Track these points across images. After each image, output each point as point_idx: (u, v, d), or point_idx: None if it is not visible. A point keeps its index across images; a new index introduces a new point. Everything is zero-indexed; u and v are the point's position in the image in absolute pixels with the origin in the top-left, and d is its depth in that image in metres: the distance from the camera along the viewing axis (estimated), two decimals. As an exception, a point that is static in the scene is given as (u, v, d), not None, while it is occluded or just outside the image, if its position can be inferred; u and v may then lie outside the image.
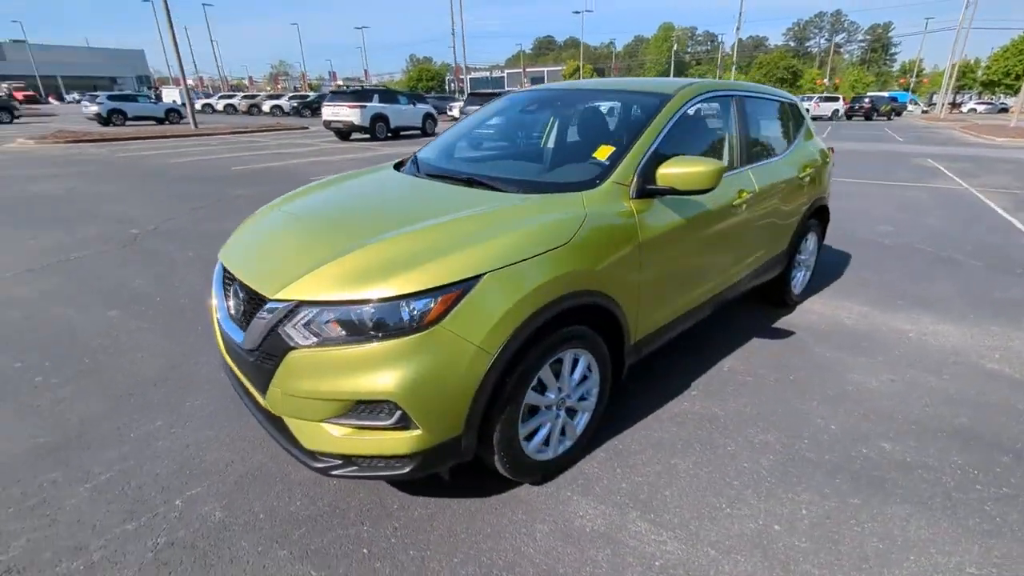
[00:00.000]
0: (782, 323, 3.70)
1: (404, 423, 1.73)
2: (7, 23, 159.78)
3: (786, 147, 3.57)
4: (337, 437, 1.76)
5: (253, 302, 1.88)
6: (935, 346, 3.36)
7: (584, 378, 2.24)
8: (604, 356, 2.26)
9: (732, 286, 3.08)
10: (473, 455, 1.91)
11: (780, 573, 1.78)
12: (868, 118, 36.01)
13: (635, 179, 2.30)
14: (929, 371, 3.06)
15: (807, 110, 4.26)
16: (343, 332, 1.69)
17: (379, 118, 17.32)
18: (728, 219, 2.80)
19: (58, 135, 17.44)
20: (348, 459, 1.79)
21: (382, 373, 1.67)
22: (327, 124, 17.26)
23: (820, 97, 38.87)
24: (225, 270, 2.15)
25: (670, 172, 2.26)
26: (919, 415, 2.64)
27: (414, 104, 19.22)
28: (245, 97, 40.95)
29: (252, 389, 1.95)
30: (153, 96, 34.52)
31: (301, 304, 1.71)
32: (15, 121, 27.05)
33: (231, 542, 1.89)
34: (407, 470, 1.78)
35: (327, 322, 1.69)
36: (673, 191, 2.29)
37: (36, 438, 2.42)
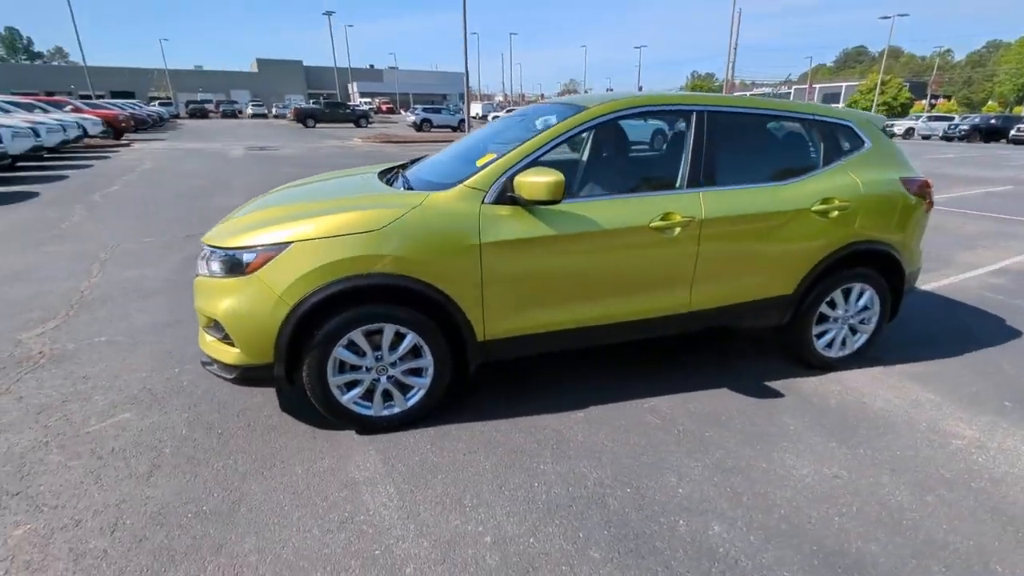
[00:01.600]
0: (782, 383, 3.03)
1: (229, 341, 2.35)
2: (386, 55, 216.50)
3: (799, 173, 2.91)
4: (209, 343, 2.48)
5: None
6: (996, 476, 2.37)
7: (417, 356, 2.49)
8: (439, 342, 2.47)
9: (677, 317, 2.77)
10: (289, 383, 2.41)
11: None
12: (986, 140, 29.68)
13: (495, 186, 2.42)
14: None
15: (890, 132, 3.22)
16: (216, 268, 2.38)
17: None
18: (640, 241, 2.57)
19: (378, 136, 23.01)
20: (212, 361, 2.49)
21: (219, 300, 2.32)
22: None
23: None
24: None
25: (521, 181, 2.33)
26: None
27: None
28: (525, 109, 45.77)
29: None
30: (452, 108, 41.61)
31: (209, 247, 2.47)
32: (368, 126, 36.20)
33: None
34: (231, 377, 2.39)
35: (212, 260, 2.41)
36: (529, 200, 2.34)
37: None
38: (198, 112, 47.97)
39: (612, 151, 3.25)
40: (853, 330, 3.19)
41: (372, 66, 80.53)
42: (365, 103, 57.48)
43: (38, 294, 4.26)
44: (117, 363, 3.18)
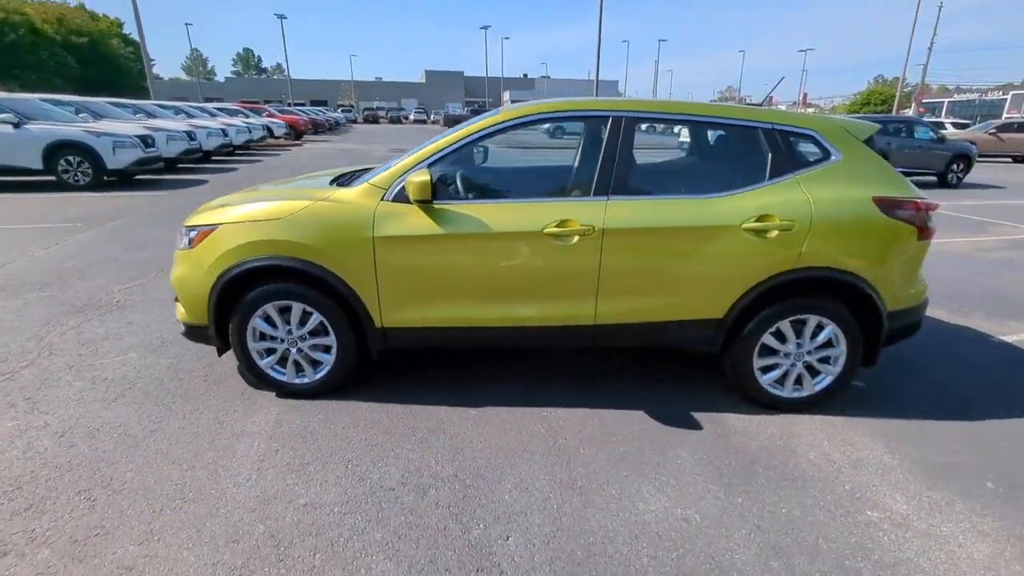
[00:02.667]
0: (711, 416, 2.71)
1: (179, 301, 2.83)
2: (538, 64, 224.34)
3: (738, 186, 2.58)
4: (178, 307, 3.01)
5: None
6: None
7: (324, 335, 2.75)
8: (341, 324, 2.70)
9: (581, 329, 2.66)
10: (224, 344, 2.82)
11: (245, 511, 2.06)
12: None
13: (395, 185, 2.58)
14: None
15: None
16: (180, 242, 2.88)
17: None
18: (535, 246, 2.53)
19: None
20: (182, 323, 3.01)
21: (176, 268, 2.82)
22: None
23: None
24: None
25: (406, 181, 2.48)
26: None
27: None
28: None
29: None
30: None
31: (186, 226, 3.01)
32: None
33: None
34: (182, 332, 2.88)
35: (180, 236, 2.93)
36: (412, 199, 2.48)
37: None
38: (371, 118, 54.25)
39: (509, 154, 3.18)
40: (813, 370, 2.74)
41: (526, 75, 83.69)
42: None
43: (152, 259, 5.36)
44: (157, 315, 3.94)
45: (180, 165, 12.87)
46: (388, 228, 2.55)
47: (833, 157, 2.61)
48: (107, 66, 54.17)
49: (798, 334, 2.67)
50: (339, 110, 51.14)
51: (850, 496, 2.20)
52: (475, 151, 2.96)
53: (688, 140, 3.19)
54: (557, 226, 2.52)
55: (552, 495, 2.18)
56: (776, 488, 2.24)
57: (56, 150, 9.13)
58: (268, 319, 2.74)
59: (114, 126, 10.30)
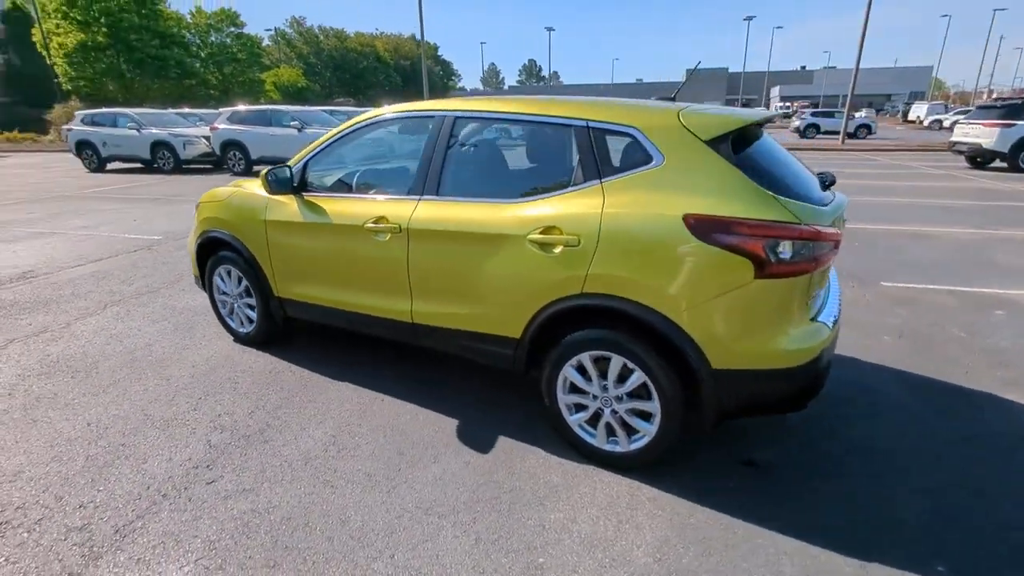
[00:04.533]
0: (510, 444, 2.38)
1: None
2: (820, 53, 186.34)
3: (546, 191, 2.18)
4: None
5: None
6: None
7: (249, 296, 3.39)
8: (258, 291, 3.27)
9: (402, 325, 2.68)
10: (206, 289, 3.71)
11: (115, 406, 2.81)
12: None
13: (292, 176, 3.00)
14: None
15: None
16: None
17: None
18: (359, 240, 2.65)
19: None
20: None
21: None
22: (951, 146, 13.20)
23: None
24: None
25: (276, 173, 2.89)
26: None
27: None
28: (960, 112, 30.38)
29: None
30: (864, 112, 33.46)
31: None
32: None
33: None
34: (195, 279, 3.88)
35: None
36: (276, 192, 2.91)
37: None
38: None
39: (368, 151, 3.20)
40: (628, 426, 2.18)
41: (804, 67, 72.51)
42: (782, 106, 52.86)
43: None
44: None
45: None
46: (273, 213, 3.01)
47: (654, 161, 2.00)
48: (420, 81, 67.79)
49: (603, 374, 2.17)
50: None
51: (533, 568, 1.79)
52: (370, 148, 3.18)
53: (519, 141, 2.83)
54: (374, 222, 2.59)
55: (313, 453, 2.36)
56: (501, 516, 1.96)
57: (155, 146, 14.35)
58: (222, 277, 3.49)
59: (190, 131, 14.79)
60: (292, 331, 3.66)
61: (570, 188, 2.16)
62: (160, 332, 3.78)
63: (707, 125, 1.99)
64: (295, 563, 1.82)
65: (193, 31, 43.39)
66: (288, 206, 2.96)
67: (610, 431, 2.24)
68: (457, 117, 2.51)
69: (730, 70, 69.82)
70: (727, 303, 1.88)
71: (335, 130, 2.92)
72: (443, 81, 67.60)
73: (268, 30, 67.64)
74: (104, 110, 15.75)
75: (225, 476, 2.27)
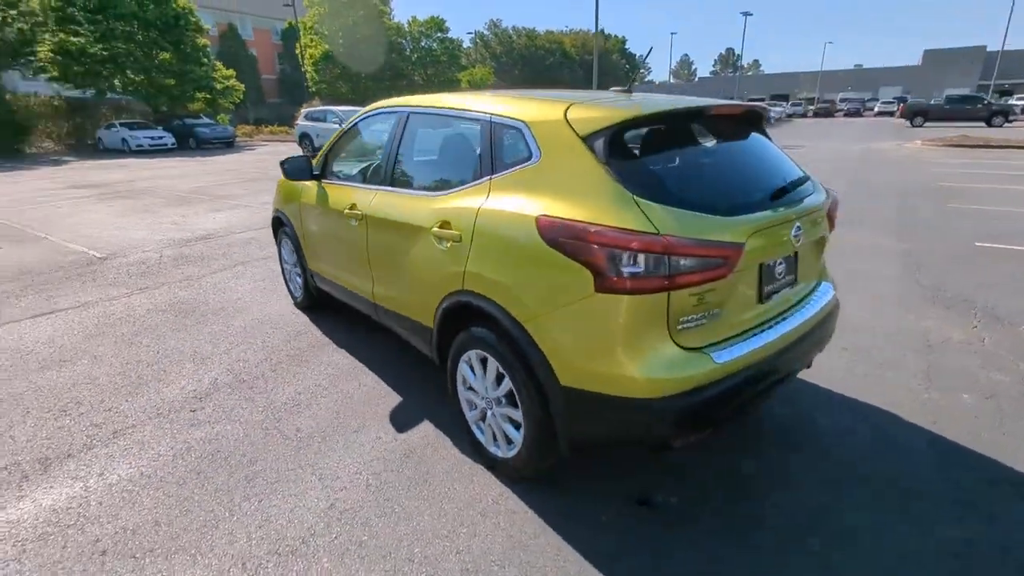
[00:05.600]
0: (428, 432, 2.42)
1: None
2: None
3: (457, 185, 2.14)
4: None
5: None
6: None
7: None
8: (300, 260, 3.82)
9: (370, 304, 2.91)
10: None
11: None
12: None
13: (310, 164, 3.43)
14: None
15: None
16: None
17: None
18: (342, 224, 2.92)
19: (954, 139, 17.21)
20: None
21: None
22: None
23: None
24: None
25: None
26: None
27: None
28: None
29: None
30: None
31: None
32: (1005, 125, 26.19)
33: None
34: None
35: None
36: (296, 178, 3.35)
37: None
38: (823, 111, 47.59)
39: (364, 144, 3.34)
40: (506, 435, 2.06)
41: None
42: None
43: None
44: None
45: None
46: (305, 197, 3.47)
47: (533, 158, 1.84)
48: (605, 75, 67.52)
49: (483, 374, 2.09)
50: (786, 104, 47.14)
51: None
52: (376, 140, 3.43)
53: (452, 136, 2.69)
54: (349, 209, 2.84)
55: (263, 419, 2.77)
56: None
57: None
58: (283, 249, 4.12)
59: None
60: (333, 301, 4.14)
61: (469, 183, 2.12)
62: (253, 290, 4.61)
63: (589, 120, 1.77)
64: (195, 487, 2.18)
65: (408, 38, 49.58)
66: (311, 190, 3.38)
67: (495, 438, 2.16)
68: (410, 113, 2.62)
69: (988, 49, 55.11)
70: (572, 315, 1.68)
71: (340, 129, 3.26)
72: (627, 75, 66.41)
73: (469, 33, 73.96)
74: (318, 108, 19.11)
75: (206, 408, 2.77)
